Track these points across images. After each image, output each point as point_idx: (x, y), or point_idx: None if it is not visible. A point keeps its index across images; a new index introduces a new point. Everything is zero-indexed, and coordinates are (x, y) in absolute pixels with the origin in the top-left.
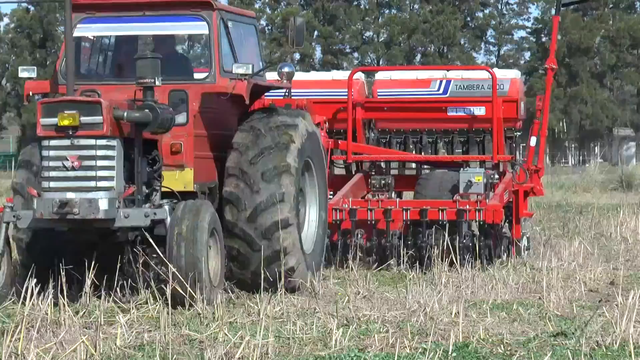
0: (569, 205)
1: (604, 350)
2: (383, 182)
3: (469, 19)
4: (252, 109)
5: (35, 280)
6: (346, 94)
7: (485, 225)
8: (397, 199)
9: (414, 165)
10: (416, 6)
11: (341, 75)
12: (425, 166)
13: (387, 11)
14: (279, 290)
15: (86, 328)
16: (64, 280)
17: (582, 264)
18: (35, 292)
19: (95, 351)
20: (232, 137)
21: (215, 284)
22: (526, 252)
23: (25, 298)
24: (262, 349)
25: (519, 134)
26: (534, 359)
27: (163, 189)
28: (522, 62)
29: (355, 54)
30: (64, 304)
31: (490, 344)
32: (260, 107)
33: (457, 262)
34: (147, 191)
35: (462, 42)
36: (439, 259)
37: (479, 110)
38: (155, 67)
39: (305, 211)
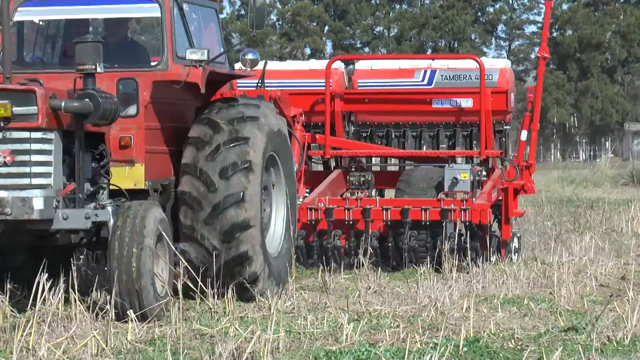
0: (579, 200)
1: (615, 345)
2: (362, 179)
3: (479, 13)
4: (213, 100)
5: (46, 275)
6: (324, 84)
7: (473, 226)
8: (377, 198)
9: (397, 161)
10: (427, 1)
11: (319, 64)
12: (409, 162)
13: (397, 6)
14: (228, 294)
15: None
16: (74, 275)
17: (593, 258)
18: (46, 287)
19: (106, 346)
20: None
21: (162, 294)
22: (517, 254)
23: (36, 293)
24: (273, 344)
25: (508, 127)
26: (544, 354)
27: (112, 187)
28: (533, 56)
29: (366, 49)
30: (75, 299)
31: (501, 339)
32: (220, 97)
33: (444, 264)
34: (91, 189)
35: (472, 37)
36: (421, 263)
37: (466, 102)
38: (97, 52)
39: (271, 211)
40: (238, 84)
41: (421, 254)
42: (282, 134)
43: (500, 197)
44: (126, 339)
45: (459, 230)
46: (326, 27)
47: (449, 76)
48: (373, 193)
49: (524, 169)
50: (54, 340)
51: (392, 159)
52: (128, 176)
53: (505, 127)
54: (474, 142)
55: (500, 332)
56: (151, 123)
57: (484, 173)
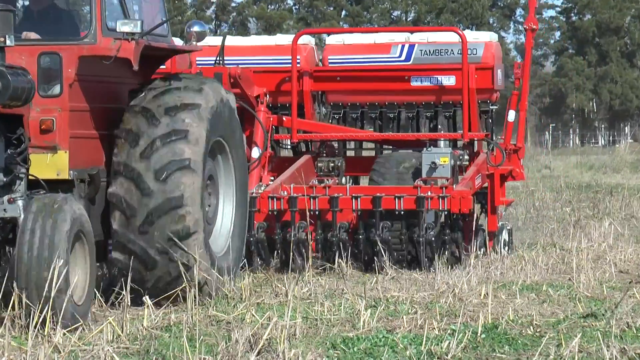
0: (598, 186)
1: (635, 331)
2: (332, 165)
3: None
4: (153, 78)
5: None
6: (291, 61)
7: (454, 216)
8: (347, 185)
9: (373, 145)
10: None
11: (286, 39)
12: (386, 146)
13: None
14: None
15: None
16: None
17: (612, 244)
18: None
19: (122, 332)
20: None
21: (80, 302)
22: (506, 247)
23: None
24: (289, 330)
25: (495, 107)
26: (563, 341)
27: (31, 177)
28: (551, 41)
29: None
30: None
31: (520, 325)
32: (158, 76)
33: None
34: (4, 180)
35: (490, 22)
36: (394, 257)
37: (448, 80)
38: (6, 21)
39: (217, 203)
40: (198, 61)
41: (395, 246)
42: (230, 117)
43: (485, 184)
44: (142, 325)
45: (442, 221)
46: (343, 12)
47: (429, 51)
48: (344, 180)
49: (512, 152)
50: (69, 326)
51: (368, 143)
52: (50, 164)
53: (491, 107)
54: (458, 123)
55: (518, 319)
56: (77, 104)
57: (466, 157)
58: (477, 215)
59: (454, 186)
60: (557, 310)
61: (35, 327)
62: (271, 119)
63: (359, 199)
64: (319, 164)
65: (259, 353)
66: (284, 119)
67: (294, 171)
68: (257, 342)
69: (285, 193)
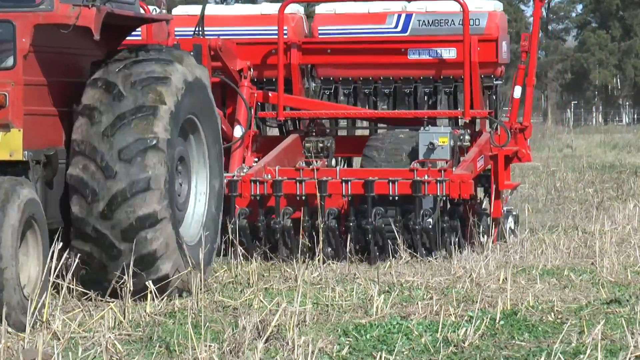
0: (622, 166)
1: None
2: (320, 145)
3: None
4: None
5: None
6: (277, 32)
7: (454, 201)
8: (337, 168)
9: (366, 123)
10: None
11: (272, 8)
12: (381, 125)
13: None
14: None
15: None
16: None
17: (637, 227)
18: (62, 260)
19: (124, 318)
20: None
21: (32, 295)
22: (512, 235)
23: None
24: (299, 316)
25: (500, 82)
26: (586, 327)
27: None
28: (573, 14)
29: None
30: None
31: (540, 312)
32: (125, 47)
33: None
34: None
35: None
36: (387, 247)
37: (448, 53)
38: None
39: (188, 187)
40: (177, 32)
41: (388, 233)
42: (203, 93)
43: (488, 167)
44: (145, 311)
45: (441, 207)
46: None
47: (428, 21)
48: (334, 162)
49: (518, 132)
50: (68, 312)
51: (361, 122)
52: (2, 144)
53: (495, 82)
54: (459, 100)
55: (539, 305)
56: (33, 77)
57: (468, 137)
58: (481, 200)
59: (454, 169)
60: (579, 295)
61: (32, 313)
62: (255, 94)
63: (349, 183)
64: (307, 145)
65: (267, 340)
66: (270, 94)
67: (279, 152)
68: (265, 329)
69: (269, 176)
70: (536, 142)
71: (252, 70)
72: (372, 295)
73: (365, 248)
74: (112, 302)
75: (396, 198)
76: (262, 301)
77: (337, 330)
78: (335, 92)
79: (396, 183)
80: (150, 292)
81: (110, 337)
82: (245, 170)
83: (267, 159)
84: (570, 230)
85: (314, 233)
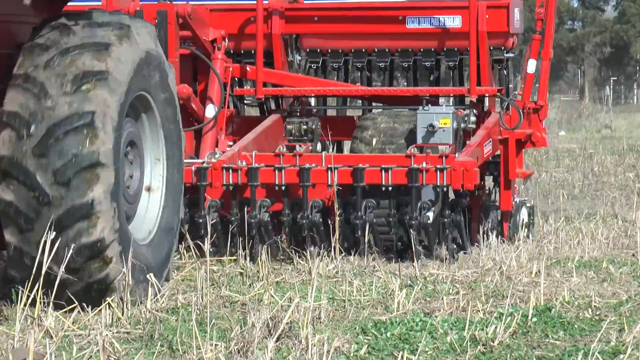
0: None
1: None
2: (304, 127)
3: None
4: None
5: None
6: None
7: (459, 192)
8: (324, 154)
9: (359, 103)
10: None
11: None
12: (376, 104)
13: None
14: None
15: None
16: None
17: None
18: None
19: (122, 315)
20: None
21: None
22: (526, 230)
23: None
24: (313, 313)
25: (512, 55)
26: (626, 325)
27: None
28: None
29: None
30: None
31: (576, 308)
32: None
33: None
34: None
35: None
36: (380, 245)
37: (453, 21)
38: None
39: (141, 176)
40: None
41: (381, 229)
42: (155, 64)
43: (497, 152)
44: (145, 307)
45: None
46: None
47: None
48: (319, 147)
49: (532, 112)
50: (61, 309)
51: (354, 101)
52: None
53: (506, 55)
54: (465, 75)
55: (575, 300)
56: None
57: (473, 119)
58: (490, 191)
59: (457, 155)
60: (619, 290)
61: (23, 308)
62: (231, 69)
63: (335, 171)
64: (288, 126)
65: (278, 339)
66: (248, 69)
67: (257, 135)
68: (276, 327)
69: (244, 163)
70: (572, 122)
71: (227, 40)
72: (393, 290)
73: (355, 246)
74: (110, 297)
75: (389, 189)
76: (273, 296)
77: (355, 328)
78: (323, 67)
79: (390, 171)
80: (151, 285)
81: (107, 335)
82: (217, 156)
83: (243, 143)
84: (609, 218)
85: (301, 229)
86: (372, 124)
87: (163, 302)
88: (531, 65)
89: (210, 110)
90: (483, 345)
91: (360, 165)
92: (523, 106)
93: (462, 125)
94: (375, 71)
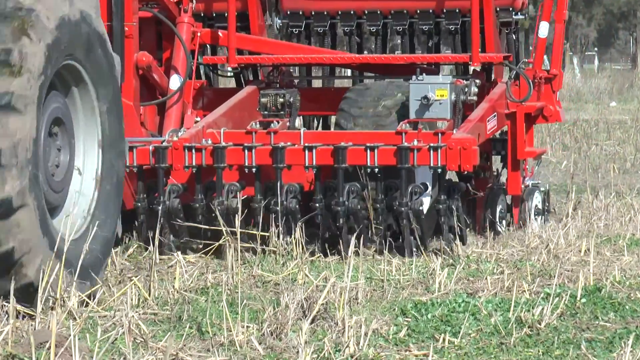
0: None
1: None
2: (280, 100)
3: None
4: None
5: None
6: None
7: (464, 174)
8: (302, 130)
9: (348, 72)
10: None
11: None
12: (368, 74)
13: None
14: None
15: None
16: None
17: None
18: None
19: (149, 295)
20: None
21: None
22: (540, 218)
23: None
24: (350, 293)
25: (521, 17)
26: None
27: None
28: None
29: None
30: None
31: (628, 288)
32: None
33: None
34: None
35: None
36: (365, 236)
37: None
38: None
39: (71, 159)
40: None
41: (367, 220)
42: (87, 30)
43: (504, 128)
44: (173, 286)
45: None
46: None
47: None
48: (298, 122)
49: (543, 82)
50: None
51: (341, 70)
52: None
53: (514, 17)
54: (468, 41)
55: (626, 280)
56: None
57: (475, 90)
58: (499, 172)
59: (454, 131)
60: None
61: (44, 289)
62: (199, 34)
63: (314, 151)
64: (262, 100)
65: (313, 320)
66: (220, 34)
67: (227, 110)
68: (311, 308)
69: (210, 141)
70: (623, 93)
71: (194, 1)
72: (434, 269)
73: (336, 237)
74: (136, 276)
75: (376, 171)
76: (307, 275)
77: (394, 309)
78: (307, 31)
79: (376, 150)
80: (179, 264)
81: (133, 316)
82: (181, 133)
83: (210, 119)
84: None
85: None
86: (361, 96)
87: (192, 282)
88: (543, 29)
89: (174, 82)
90: (529, 327)
91: (343, 143)
92: (534, 76)
93: (462, 97)
94: (365, 36)
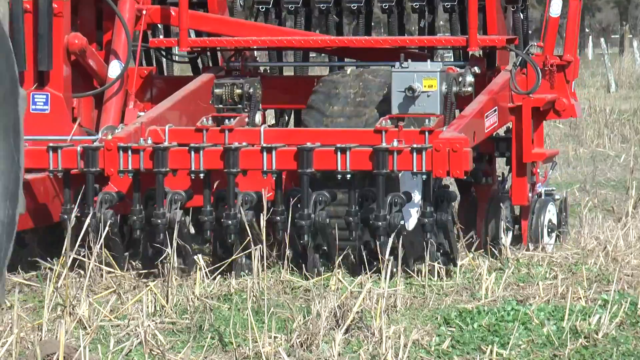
0: None
1: None
2: (238, 91)
3: None
4: None
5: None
6: None
7: (464, 180)
8: (263, 128)
9: (326, 58)
10: None
11: None
12: (349, 59)
13: None
14: None
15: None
16: None
17: None
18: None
19: (167, 302)
20: None
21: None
22: (554, 234)
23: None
24: (388, 301)
25: None
26: None
27: None
28: None
29: None
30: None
31: None
32: None
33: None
34: None
35: None
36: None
37: None
38: None
39: None
40: None
41: (339, 232)
42: None
43: (508, 124)
44: (193, 293)
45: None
46: None
47: None
48: (258, 118)
49: (556, 70)
50: (97, 293)
51: (318, 55)
52: None
53: None
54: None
55: None
56: None
57: (470, 79)
58: (505, 177)
59: (444, 129)
60: None
61: (52, 295)
62: (144, 12)
63: (273, 153)
64: (216, 90)
65: (347, 330)
66: (172, 12)
67: (176, 102)
68: (344, 316)
69: (150, 141)
70: None
71: None
72: (480, 274)
73: (303, 255)
74: (152, 281)
75: (351, 177)
76: (341, 280)
77: (436, 318)
78: (276, 9)
79: (348, 152)
80: (199, 268)
81: (149, 325)
82: (117, 131)
83: (154, 114)
84: None
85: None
86: (335, 87)
87: (214, 288)
88: (555, 7)
89: (114, 68)
90: (585, 338)
91: (309, 144)
92: (543, 62)
93: (455, 88)
94: (345, 15)
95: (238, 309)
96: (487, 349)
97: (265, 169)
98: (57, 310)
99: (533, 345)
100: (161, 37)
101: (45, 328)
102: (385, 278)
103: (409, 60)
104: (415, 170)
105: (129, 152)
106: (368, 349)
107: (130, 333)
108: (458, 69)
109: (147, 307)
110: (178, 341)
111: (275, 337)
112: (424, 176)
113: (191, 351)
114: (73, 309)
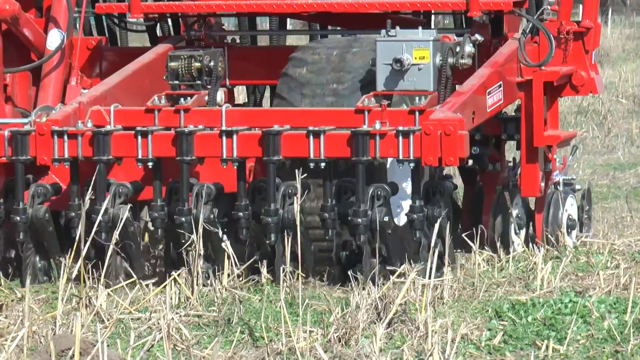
0: None
1: None
2: (197, 65)
3: None
4: None
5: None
6: None
7: (467, 168)
8: (225, 107)
9: (305, 25)
10: None
11: None
12: (332, 27)
13: None
14: None
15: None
16: None
17: None
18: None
19: (192, 294)
20: None
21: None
22: (573, 232)
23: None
24: (434, 292)
25: None
26: None
27: None
28: None
29: None
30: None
31: None
32: None
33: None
34: None
35: None
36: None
37: None
38: None
39: None
40: None
41: (313, 234)
42: None
43: (516, 101)
44: (220, 283)
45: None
46: None
47: None
48: (220, 97)
49: (572, 39)
50: (115, 284)
51: (295, 23)
52: None
53: None
54: None
55: None
56: None
57: (469, 49)
58: (515, 163)
59: (437, 108)
60: None
61: (66, 285)
62: None
63: (234, 137)
64: (171, 64)
65: (390, 324)
66: None
67: (125, 78)
68: (386, 309)
69: (90, 124)
70: None
71: None
72: (535, 263)
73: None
74: (176, 271)
75: (327, 166)
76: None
77: (487, 311)
78: None
79: (322, 136)
80: (228, 256)
81: (173, 318)
82: (53, 112)
83: (97, 92)
84: None
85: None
86: (311, 59)
87: (243, 278)
88: None
89: (54, 37)
90: None
91: (276, 127)
92: (558, 29)
93: (451, 60)
94: None
95: (270, 301)
96: (542, 344)
97: (224, 156)
98: (72, 301)
99: (592, 340)
100: (112, 1)
101: (59, 321)
102: (431, 267)
103: (397, 28)
104: (401, 157)
105: (65, 137)
106: (412, 344)
107: (152, 327)
108: (455, 38)
109: (171, 299)
110: (204, 336)
111: (310, 332)
112: (412, 164)
113: (219, 346)
114: (89, 301)
